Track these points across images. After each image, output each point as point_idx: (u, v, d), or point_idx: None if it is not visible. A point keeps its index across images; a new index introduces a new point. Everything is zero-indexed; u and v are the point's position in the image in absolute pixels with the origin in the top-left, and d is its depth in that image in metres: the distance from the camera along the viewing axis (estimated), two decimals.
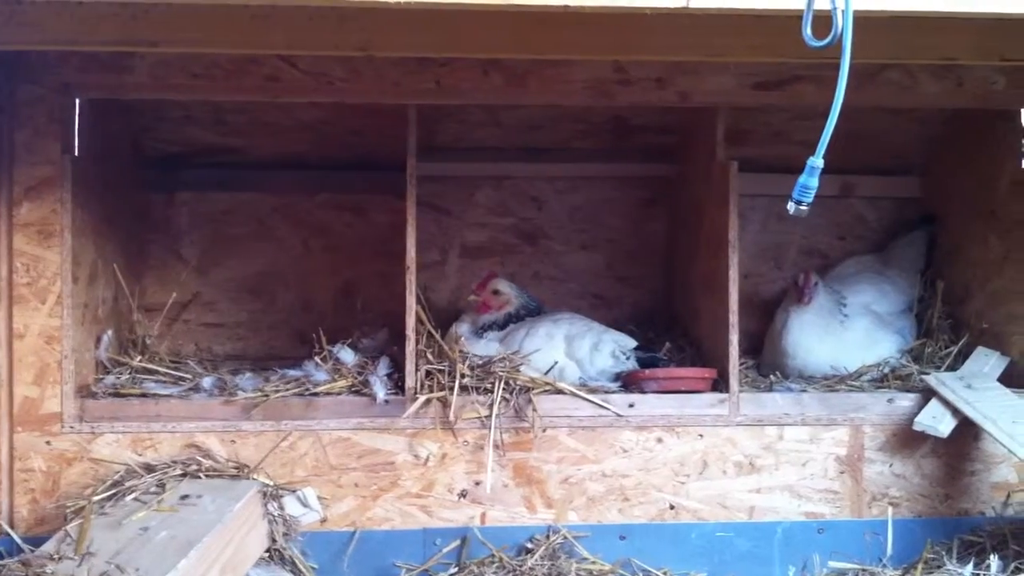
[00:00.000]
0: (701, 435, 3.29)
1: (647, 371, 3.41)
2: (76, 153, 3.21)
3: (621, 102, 3.37)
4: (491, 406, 3.24)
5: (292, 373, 3.36)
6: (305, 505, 3.04)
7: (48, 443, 3.11)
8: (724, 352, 3.31)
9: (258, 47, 2.81)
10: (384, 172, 3.90)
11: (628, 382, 3.42)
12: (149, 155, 3.98)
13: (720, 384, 3.36)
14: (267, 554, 2.88)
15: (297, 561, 2.89)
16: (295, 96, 3.26)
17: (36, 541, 2.83)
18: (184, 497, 2.86)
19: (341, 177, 4.12)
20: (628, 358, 3.51)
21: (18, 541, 2.91)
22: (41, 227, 3.12)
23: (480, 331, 3.69)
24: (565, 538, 3.21)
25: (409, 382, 3.23)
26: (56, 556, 2.64)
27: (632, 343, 3.56)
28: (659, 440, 3.28)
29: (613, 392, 3.38)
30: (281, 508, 2.99)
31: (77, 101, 3.23)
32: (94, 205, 3.33)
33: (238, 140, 4.00)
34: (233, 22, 2.57)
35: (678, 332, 3.91)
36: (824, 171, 2.06)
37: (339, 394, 3.28)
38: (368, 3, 2.15)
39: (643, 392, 3.33)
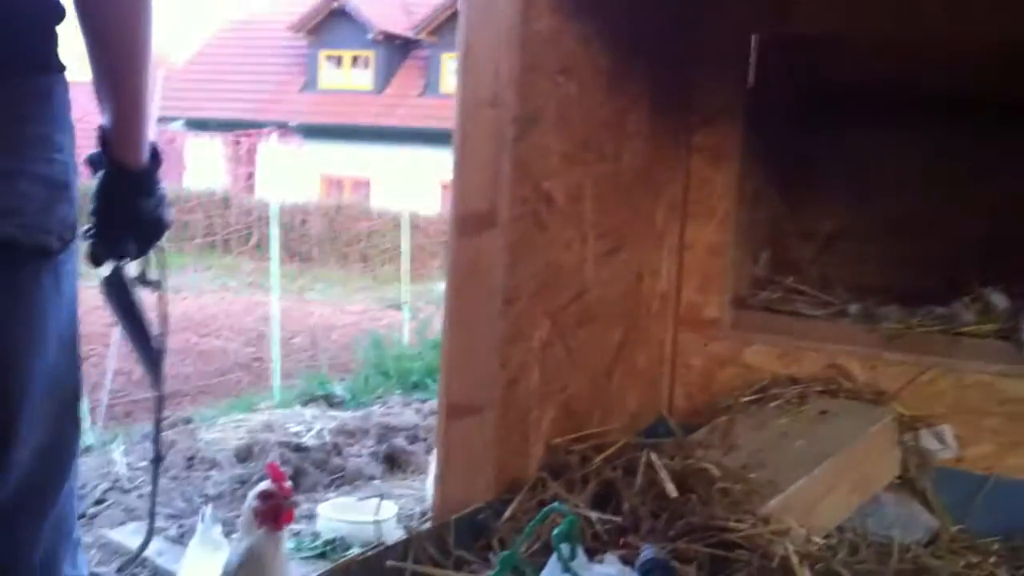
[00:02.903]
0: None
1: None
2: (749, 86, 3.47)
3: None
4: None
5: (938, 310, 3.33)
6: (941, 441, 3.04)
7: (705, 345, 3.46)
8: None
9: None
10: None
11: None
12: (808, 90, 4.12)
13: None
14: (898, 481, 2.95)
15: (928, 494, 2.90)
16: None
17: (687, 429, 3.19)
18: (822, 412, 3.03)
19: None
20: None
21: (673, 426, 3.28)
22: (714, 151, 3.44)
23: None
24: None
25: None
26: (705, 444, 2.98)
27: None
28: None
29: None
30: (915, 440, 3.02)
31: (752, 37, 3.48)
32: (760, 134, 3.57)
33: (890, 75, 3.97)
34: None
35: None
36: None
37: (985, 337, 3.18)
38: None
39: None
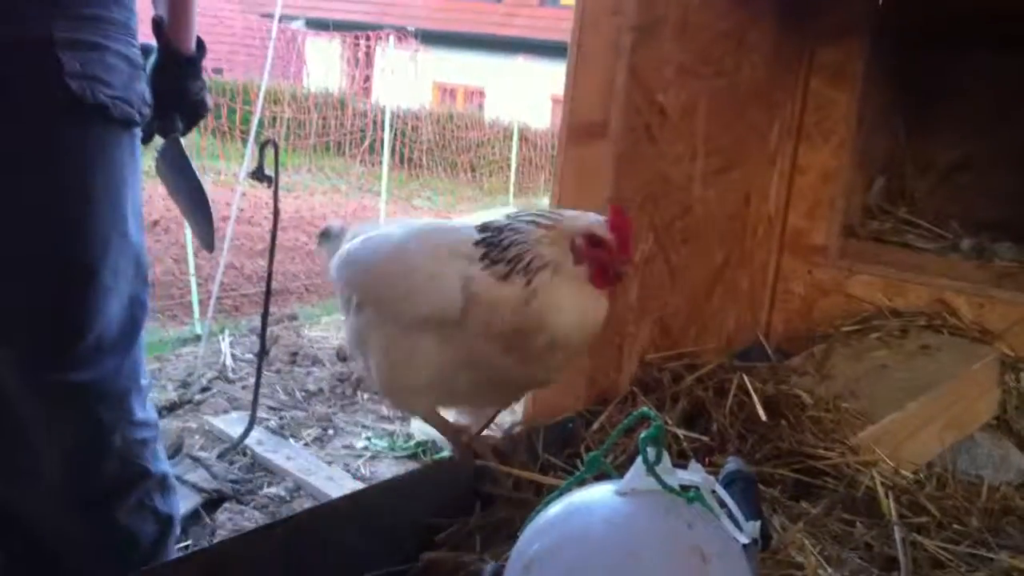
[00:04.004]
0: None
1: None
2: (879, 4, 3.34)
3: None
4: None
5: None
6: None
7: (809, 272, 3.41)
8: None
9: None
10: None
11: None
12: (938, 13, 3.93)
13: None
14: (994, 422, 2.89)
15: None
16: None
17: (783, 354, 3.17)
18: (924, 347, 2.97)
19: None
20: None
21: (769, 351, 3.26)
22: (835, 71, 3.33)
23: None
24: None
25: None
26: (800, 371, 2.96)
27: None
28: None
29: None
30: (1017, 381, 2.94)
31: None
32: (888, 55, 3.44)
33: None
34: None
35: None
36: None
37: None
38: None
39: None
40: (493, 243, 1.87)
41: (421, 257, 1.90)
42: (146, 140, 2.19)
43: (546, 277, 1.83)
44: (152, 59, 2.13)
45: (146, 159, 2.16)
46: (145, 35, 2.14)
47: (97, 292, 1.95)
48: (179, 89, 2.14)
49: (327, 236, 2.32)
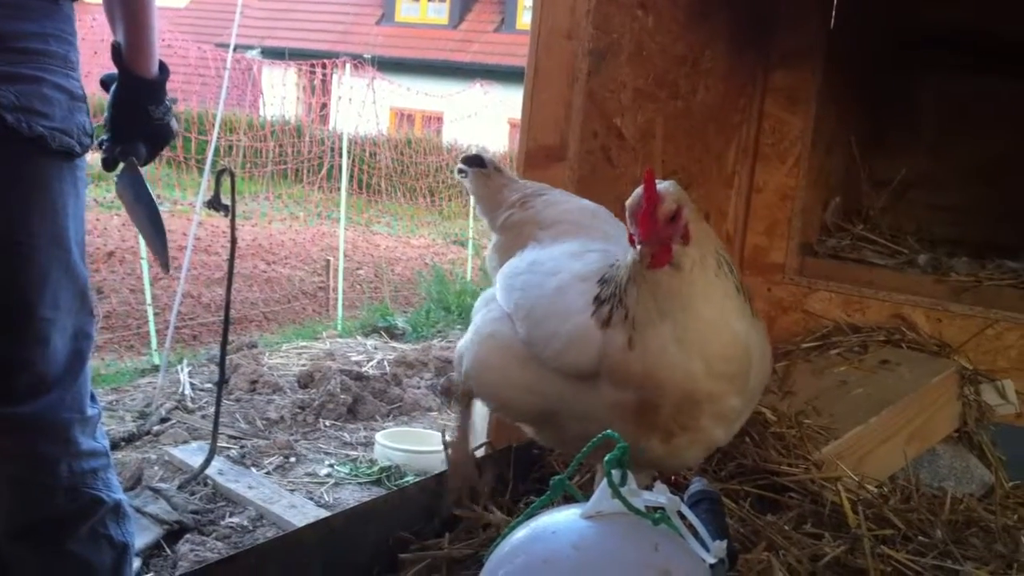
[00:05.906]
0: None
1: None
2: (830, 27, 3.39)
3: None
4: None
5: (1010, 264, 3.27)
6: (1002, 396, 3.00)
7: (769, 289, 3.44)
8: None
9: None
10: None
11: None
12: (899, 34, 4.00)
13: None
14: (955, 434, 2.92)
15: (985, 448, 2.86)
16: None
17: None
18: (883, 362, 3.00)
19: None
20: None
21: None
22: (790, 93, 3.37)
23: None
24: None
25: None
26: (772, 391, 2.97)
27: None
28: None
29: None
30: (977, 393, 2.98)
31: None
32: (841, 77, 3.49)
33: (991, 22, 3.83)
34: None
35: None
36: None
37: None
38: None
39: None
40: (603, 280, 1.71)
41: (575, 304, 1.71)
42: (110, 167, 2.18)
43: (633, 295, 1.62)
44: (114, 85, 2.12)
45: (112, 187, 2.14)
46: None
47: (37, 326, 1.93)
48: (140, 114, 2.13)
49: (479, 164, 2.16)
